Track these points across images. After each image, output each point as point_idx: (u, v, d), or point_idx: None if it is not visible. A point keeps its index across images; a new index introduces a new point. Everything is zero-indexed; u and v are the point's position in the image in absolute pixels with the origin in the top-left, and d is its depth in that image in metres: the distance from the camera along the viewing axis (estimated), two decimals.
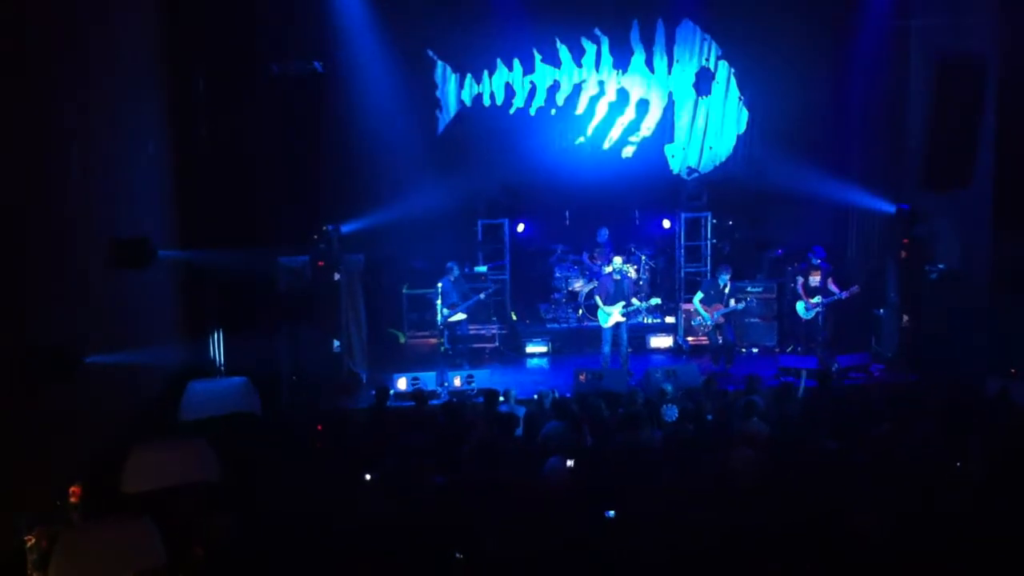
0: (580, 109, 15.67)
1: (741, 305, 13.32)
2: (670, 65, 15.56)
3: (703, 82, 15.61)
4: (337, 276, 12.90)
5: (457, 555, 5.16)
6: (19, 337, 6.86)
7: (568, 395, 11.13)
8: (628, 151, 15.96)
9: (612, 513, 5.93)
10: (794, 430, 8.54)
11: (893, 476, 6.55)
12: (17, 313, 6.96)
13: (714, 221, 15.67)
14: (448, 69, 15.29)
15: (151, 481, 6.28)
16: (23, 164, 7.14)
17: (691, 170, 16.10)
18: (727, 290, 13.10)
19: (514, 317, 15.43)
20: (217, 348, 11.17)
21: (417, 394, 10.61)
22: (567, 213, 16.04)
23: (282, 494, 6.50)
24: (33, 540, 5.78)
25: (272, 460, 7.69)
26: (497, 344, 14.76)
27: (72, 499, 6.47)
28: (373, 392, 10.58)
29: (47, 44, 7.60)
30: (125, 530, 5.23)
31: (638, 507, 6.02)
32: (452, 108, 15.47)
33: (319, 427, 9.45)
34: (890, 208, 13.54)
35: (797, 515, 5.62)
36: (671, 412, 9.08)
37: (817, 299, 13.03)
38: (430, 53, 15.13)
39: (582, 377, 11.72)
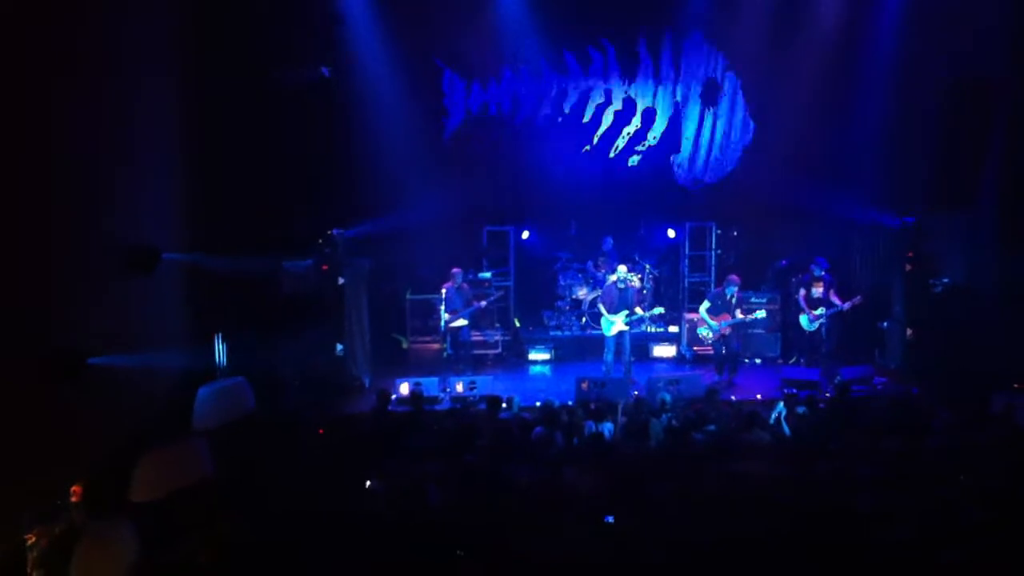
0: (586, 118, 15.70)
1: (751, 318, 13.24)
2: (677, 75, 15.60)
3: (710, 93, 15.67)
4: (341, 280, 12.93)
5: (458, 552, 5.17)
6: (25, 338, 6.87)
7: (571, 403, 11.10)
8: (634, 160, 15.99)
9: (612, 519, 5.91)
10: (800, 442, 8.52)
11: (899, 488, 6.52)
12: (23, 314, 6.97)
13: (719, 231, 15.70)
14: (455, 77, 15.33)
15: (158, 490, 6.33)
16: (33, 169, 7.16)
17: (697, 180, 16.13)
18: (733, 301, 13.05)
19: (517, 324, 15.44)
20: (221, 351, 11.17)
21: (415, 398, 10.58)
22: (572, 221, 16.06)
23: (285, 496, 6.49)
24: (34, 539, 5.81)
25: (275, 462, 7.70)
26: (500, 350, 14.79)
27: (73, 499, 6.48)
28: (375, 396, 10.58)
29: (57, 50, 7.62)
30: (115, 529, 5.28)
31: (638, 515, 6.01)
32: (459, 115, 15.51)
33: (321, 431, 9.45)
34: (895, 222, 13.56)
35: (800, 525, 5.60)
36: (657, 426, 8.94)
37: (820, 311, 12.98)
38: (437, 61, 15.18)
39: (584, 385, 11.65)
